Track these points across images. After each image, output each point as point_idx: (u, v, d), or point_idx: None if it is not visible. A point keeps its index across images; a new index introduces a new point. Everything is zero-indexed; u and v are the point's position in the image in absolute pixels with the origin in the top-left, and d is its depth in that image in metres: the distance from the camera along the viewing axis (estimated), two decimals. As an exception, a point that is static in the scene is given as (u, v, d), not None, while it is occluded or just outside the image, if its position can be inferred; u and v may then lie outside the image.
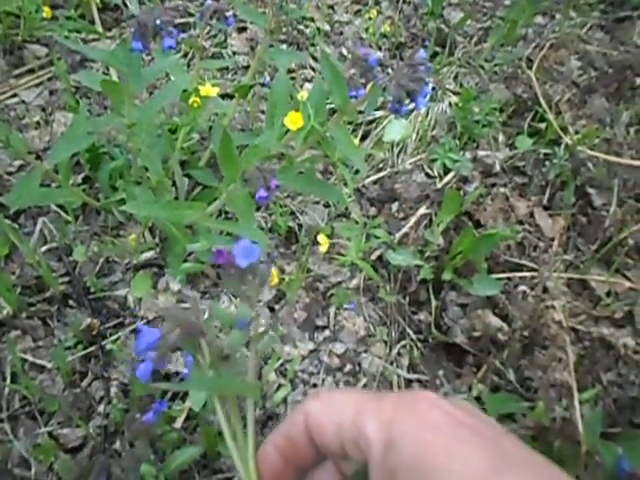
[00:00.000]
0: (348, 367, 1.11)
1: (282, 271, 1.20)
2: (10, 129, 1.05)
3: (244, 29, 1.76)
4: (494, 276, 1.25)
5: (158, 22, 0.84)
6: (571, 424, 0.86)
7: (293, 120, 1.05)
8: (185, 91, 1.16)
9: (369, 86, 1.05)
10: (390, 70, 1.69)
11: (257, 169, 0.92)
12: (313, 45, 1.75)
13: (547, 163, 1.45)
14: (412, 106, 1.02)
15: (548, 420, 0.89)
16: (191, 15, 1.75)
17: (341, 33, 1.83)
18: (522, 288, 1.19)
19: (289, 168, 1.03)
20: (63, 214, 1.26)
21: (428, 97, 0.94)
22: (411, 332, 1.19)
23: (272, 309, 1.17)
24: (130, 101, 1.02)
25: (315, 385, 1.07)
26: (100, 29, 1.37)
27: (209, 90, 1.12)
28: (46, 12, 1.38)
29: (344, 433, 0.35)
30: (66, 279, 1.18)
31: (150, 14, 0.87)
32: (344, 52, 1.75)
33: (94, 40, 1.66)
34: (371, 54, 1.06)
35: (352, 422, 0.34)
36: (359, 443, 0.34)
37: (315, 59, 1.71)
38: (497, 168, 1.44)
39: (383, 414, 0.33)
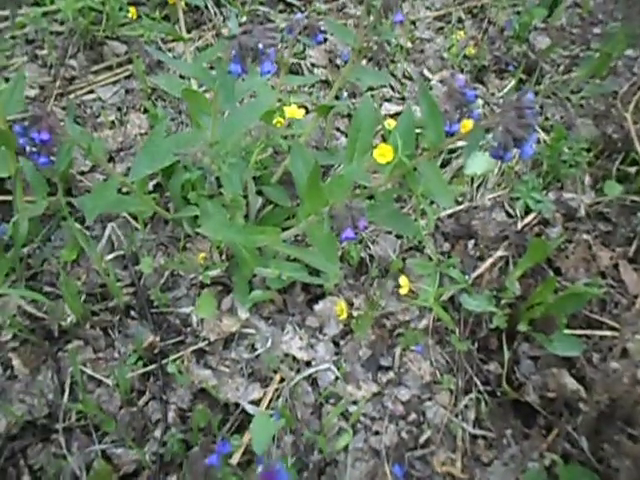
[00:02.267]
0: (412, 416, 1.05)
1: (350, 304, 1.15)
2: (92, 136, 1.03)
3: (324, 40, 1.71)
4: (571, 331, 1.17)
5: (260, 46, 0.80)
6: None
7: (382, 153, 0.99)
8: (269, 110, 1.12)
9: (465, 123, 1.00)
10: (475, 96, 1.62)
11: (346, 207, 0.87)
12: (393, 62, 1.69)
13: (636, 212, 1.36)
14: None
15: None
16: (280, 29, 1.71)
17: (422, 51, 1.77)
18: (602, 351, 1.11)
19: (376, 207, 0.98)
20: (132, 221, 1.24)
21: (535, 147, 0.88)
22: (479, 383, 1.13)
23: (337, 344, 1.12)
24: (216, 117, 0.99)
25: (377, 432, 1.02)
26: (183, 32, 1.34)
27: (295, 112, 1.08)
28: (132, 12, 1.36)
29: None
30: (131, 290, 1.16)
31: (251, 36, 0.83)
32: (425, 72, 1.69)
33: (173, 40, 1.64)
34: (467, 86, 1.00)
35: None
36: None
37: (395, 77, 1.65)
38: (582, 213, 1.36)
39: None
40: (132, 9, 1.38)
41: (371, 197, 1.10)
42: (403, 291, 1.06)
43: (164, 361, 1.06)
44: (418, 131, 1.18)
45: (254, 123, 1.04)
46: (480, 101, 1.61)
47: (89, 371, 1.05)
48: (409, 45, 1.76)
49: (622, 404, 0.99)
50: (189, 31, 1.64)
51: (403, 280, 1.06)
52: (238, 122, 1.04)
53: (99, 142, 1.06)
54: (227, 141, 0.99)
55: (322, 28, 1.25)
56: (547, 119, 1.58)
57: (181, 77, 1.48)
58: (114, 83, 1.53)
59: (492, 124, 0.90)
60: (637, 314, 1.24)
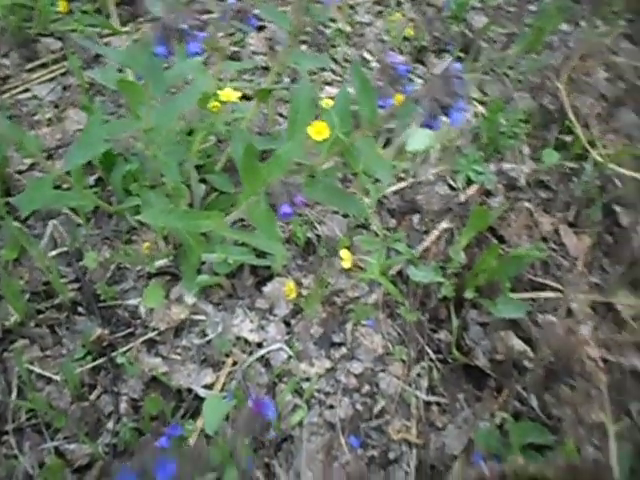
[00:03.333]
0: (366, 388, 1.07)
1: (299, 284, 1.16)
2: (24, 132, 1.01)
3: (263, 28, 1.71)
4: (517, 295, 1.21)
5: (184, 26, 0.79)
6: (603, 465, 0.82)
7: (318, 130, 1.00)
8: (204, 95, 1.12)
9: (398, 96, 1.01)
10: (414, 76, 1.65)
11: (281, 183, 0.87)
12: (334, 47, 1.70)
13: (574, 178, 1.40)
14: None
15: (578, 459, 0.86)
16: (209, 12, 1.70)
17: (362, 35, 1.78)
18: (548, 313, 1.14)
19: (314, 182, 0.99)
20: (74, 217, 1.22)
21: (463, 112, 0.90)
22: (430, 352, 1.15)
23: (288, 324, 1.13)
24: (149, 105, 0.98)
25: (332, 407, 1.03)
26: (117, 24, 1.32)
27: (230, 95, 1.07)
28: (62, 6, 1.33)
29: None
30: (76, 285, 1.14)
31: (175, 17, 0.82)
32: (365, 55, 1.70)
33: (110, 35, 1.61)
34: (400, 62, 1.02)
35: None
36: None
37: (335, 61, 1.67)
38: (522, 182, 1.40)
39: None
40: (63, 3, 1.35)
41: (312, 177, 1.11)
42: (346, 265, 1.08)
43: (114, 354, 1.05)
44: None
45: (189, 108, 1.04)
46: (420, 81, 1.63)
47: (37, 369, 1.03)
48: (349, 29, 1.77)
49: (563, 358, 1.02)
50: (125, 24, 1.61)
51: (344, 253, 1.08)
52: (173, 108, 1.03)
53: (31, 137, 1.04)
54: (161, 127, 0.99)
55: (256, 13, 1.25)
56: (486, 94, 1.62)
57: (119, 70, 1.46)
58: (50, 80, 1.50)
59: (421, 95, 0.92)
60: (579, 275, 1.28)
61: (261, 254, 1.13)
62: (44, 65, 1.53)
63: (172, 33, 0.80)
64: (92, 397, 1.02)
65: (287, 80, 1.59)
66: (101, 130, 0.94)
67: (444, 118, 0.90)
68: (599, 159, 1.40)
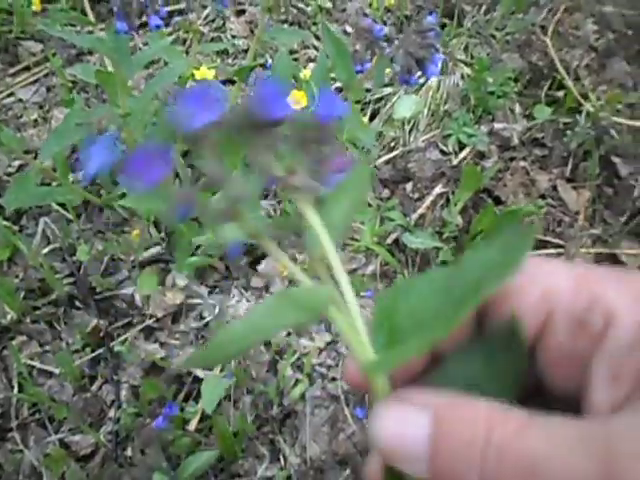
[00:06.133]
0: (368, 358, 1.05)
1: (294, 260, 1.14)
2: (1, 127, 1.00)
3: (243, 12, 1.69)
4: (518, 255, 1.18)
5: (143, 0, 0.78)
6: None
7: (295, 99, 0.99)
8: (181, 77, 1.11)
9: (375, 59, 0.99)
10: (383, 33, 1.62)
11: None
12: (315, 24, 1.68)
13: (568, 133, 1.37)
14: (423, 78, 0.96)
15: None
16: None
17: (344, 10, 1.76)
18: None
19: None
20: (65, 213, 1.21)
21: (439, 65, 0.88)
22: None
23: (285, 301, 1.12)
24: (123, 89, 0.97)
25: (334, 379, 1.02)
26: (93, 20, 1.31)
27: (205, 73, 1.06)
28: (35, 4, 1.33)
29: (558, 299, 0.27)
30: (71, 280, 1.14)
31: (136, -8, 0.81)
32: (348, 29, 1.68)
33: (89, 32, 1.60)
34: (375, 25, 1.00)
35: (575, 287, 0.26)
36: (590, 312, 0.26)
37: (318, 38, 1.64)
38: (515, 141, 1.36)
39: (633, 285, 0.26)
40: (36, 1, 1.34)
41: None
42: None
43: (112, 343, 1.05)
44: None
45: (164, 89, 1.03)
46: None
47: (37, 364, 1.03)
48: (329, 5, 1.75)
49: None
50: (104, 20, 1.60)
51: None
52: (149, 91, 1.02)
53: (10, 132, 1.04)
54: (138, 111, 0.98)
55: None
56: (472, 57, 1.58)
57: (101, 66, 1.45)
58: (33, 82, 1.50)
59: (395, 51, 0.90)
60: (580, 229, 1.25)
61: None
62: (26, 68, 1.53)
63: (131, 8, 0.78)
64: (93, 388, 1.01)
65: (270, 61, 1.58)
66: (76, 119, 0.93)
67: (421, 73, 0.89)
68: (593, 110, 1.37)
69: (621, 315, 0.25)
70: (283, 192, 0.28)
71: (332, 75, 1.20)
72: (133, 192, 1.06)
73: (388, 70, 0.96)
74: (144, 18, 0.84)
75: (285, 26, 1.63)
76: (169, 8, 1.55)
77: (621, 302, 0.25)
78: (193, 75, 1.06)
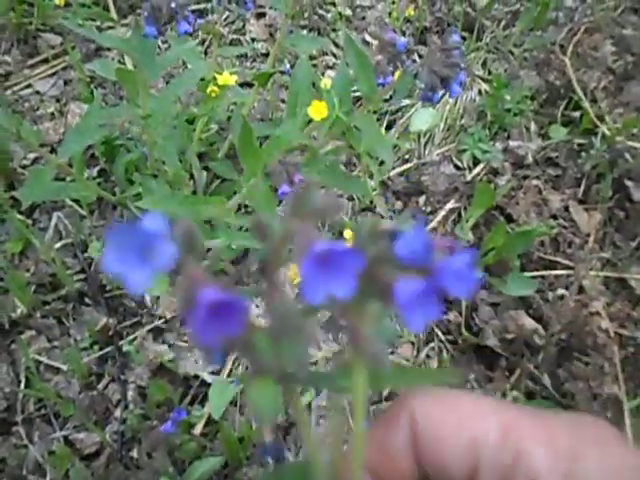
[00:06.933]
0: (374, 370, 1.05)
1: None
2: (21, 121, 1.00)
3: (263, 15, 1.69)
4: (527, 274, 1.18)
5: (173, 5, 0.78)
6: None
7: (317, 110, 0.99)
8: (203, 80, 1.11)
9: (397, 73, 0.99)
10: (416, 56, 1.62)
11: (279, 163, 0.86)
12: (335, 30, 1.68)
13: (582, 154, 1.37)
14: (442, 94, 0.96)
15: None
16: (208, 0, 1.69)
17: (363, 18, 1.76)
18: (559, 289, 1.12)
19: (313, 161, 0.98)
20: (78, 209, 1.22)
21: (462, 84, 0.88)
22: (440, 333, 1.13)
23: (294, 308, 1.12)
24: (145, 90, 0.97)
25: (340, 389, 1.02)
26: (115, 16, 1.32)
27: (227, 79, 1.06)
28: (59, -1, 1.33)
29: (485, 452, 0.27)
30: (82, 276, 1.14)
31: (166, -3, 0.81)
32: (367, 38, 1.68)
33: (109, 28, 1.61)
34: (399, 38, 1.00)
35: (501, 440, 0.27)
36: (515, 470, 0.26)
37: (337, 45, 1.65)
38: (529, 159, 1.37)
39: (557, 441, 0.26)
40: (60, -5, 1.35)
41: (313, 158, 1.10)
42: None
43: (121, 342, 1.05)
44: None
45: (185, 92, 1.03)
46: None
47: (45, 360, 1.03)
48: (349, 13, 1.75)
49: (575, 332, 1.00)
50: (125, 16, 1.61)
51: (349, 235, 1.06)
52: (170, 93, 1.03)
53: (28, 126, 1.04)
54: (159, 113, 0.98)
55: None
56: (490, 72, 1.59)
57: (120, 62, 1.45)
58: (51, 75, 1.50)
59: (419, 68, 0.90)
60: (590, 251, 1.25)
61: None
62: (45, 60, 1.53)
63: (161, 14, 0.79)
64: (100, 386, 1.02)
65: (289, 67, 1.58)
66: (96, 118, 0.93)
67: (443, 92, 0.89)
68: (608, 133, 1.37)
69: (544, 477, 0.26)
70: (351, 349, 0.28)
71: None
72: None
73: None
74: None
75: (304, 32, 1.64)
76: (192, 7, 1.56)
77: (545, 463, 0.26)
78: (215, 79, 1.07)
